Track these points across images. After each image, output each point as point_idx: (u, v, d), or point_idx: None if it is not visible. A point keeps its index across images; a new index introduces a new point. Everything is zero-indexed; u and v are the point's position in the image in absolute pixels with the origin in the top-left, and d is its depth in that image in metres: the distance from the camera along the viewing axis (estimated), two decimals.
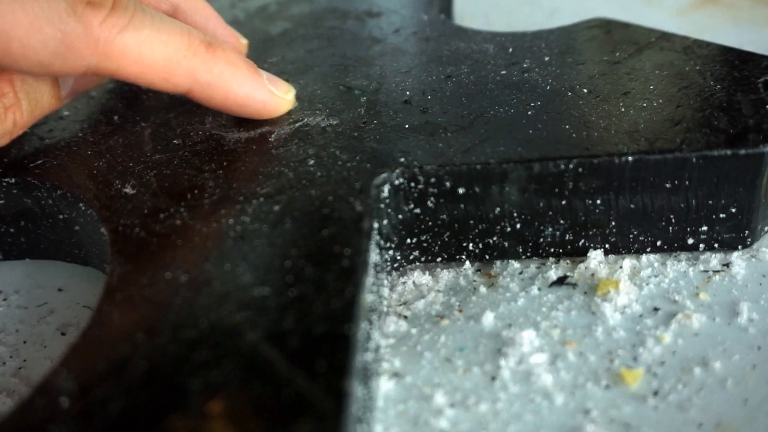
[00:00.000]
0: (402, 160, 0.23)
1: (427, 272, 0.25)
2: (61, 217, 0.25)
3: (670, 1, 0.41)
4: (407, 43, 0.30)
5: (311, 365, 0.17)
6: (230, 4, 0.36)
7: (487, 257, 0.24)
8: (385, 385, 0.21)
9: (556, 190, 0.23)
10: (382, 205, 0.23)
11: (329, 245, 0.20)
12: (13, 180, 0.25)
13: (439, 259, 0.24)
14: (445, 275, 0.25)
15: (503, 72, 0.27)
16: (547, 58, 0.28)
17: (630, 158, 0.22)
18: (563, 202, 0.23)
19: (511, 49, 0.29)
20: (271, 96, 0.25)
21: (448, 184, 0.23)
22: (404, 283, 0.24)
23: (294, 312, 0.18)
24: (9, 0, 0.20)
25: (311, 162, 0.23)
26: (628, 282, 0.23)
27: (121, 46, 0.22)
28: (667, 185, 0.22)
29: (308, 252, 0.20)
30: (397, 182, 0.23)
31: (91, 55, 0.21)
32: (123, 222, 0.22)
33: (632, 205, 0.23)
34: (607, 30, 0.29)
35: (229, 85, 0.24)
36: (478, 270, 0.25)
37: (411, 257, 0.24)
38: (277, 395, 0.16)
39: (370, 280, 0.20)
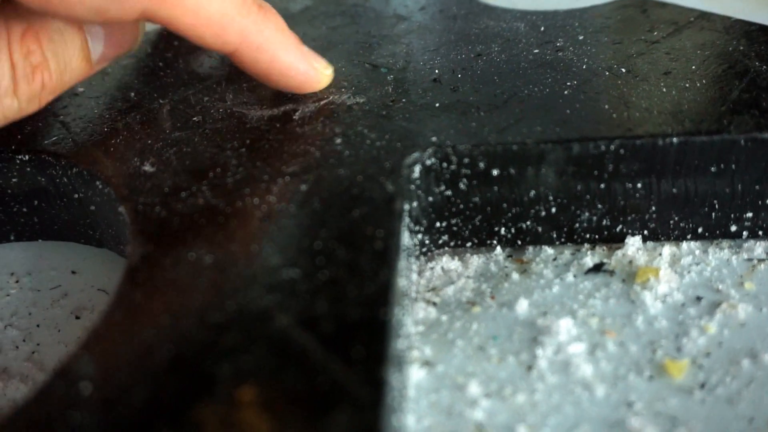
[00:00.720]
0: (434, 139, 0.22)
1: (456, 257, 0.24)
2: (75, 196, 0.24)
3: None
4: (434, 20, 0.29)
5: (347, 352, 0.16)
6: None
7: (520, 242, 0.23)
8: (416, 374, 0.20)
9: (595, 172, 0.22)
10: (413, 186, 0.22)
11: (360, 226, 0.19)
12: (27, 157, 0.24)
13: (469, 244, 0.23)
14: (475, 260, 0.24)
15: (536, 51, 0.26)
16: (581, 37, 0.27)
17: (675, 140, 0.21)
18: (602, 186, 0.22)
19: (543, 28, 0.28)
20: (313, 69, 0.25)
21: (482, 165, 0.22)
22: (432, 268, 0.23)
23: (326, 295, 0.17)
24: None
25: (338, 141, 0.22)
26: (668, 270, 0.22)
27: None
28: (712, 169, 0.21)
29: (339, 233, 0.19)
30: (428, 162, 0.22)
31: (145, 1, 0.20)
32: (143, 201, 0.21)
33: (674, 190, 0.22)
34: (643, 9, 0.28)
35: (276, 50, 0.23)
36: (510, 256, 0.24)
37: (440, 241, 0.23)
38: (312, 382, 0.15)
39: (402, 263, 0.19)
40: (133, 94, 0.26)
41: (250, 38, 0.23)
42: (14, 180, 0.24)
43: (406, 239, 0.20)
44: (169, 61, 0.28)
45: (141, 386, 0.15)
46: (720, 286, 0.22)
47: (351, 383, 0.15)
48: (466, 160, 0.22)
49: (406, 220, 0.21)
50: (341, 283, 0.17)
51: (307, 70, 0.25)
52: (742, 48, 0.25)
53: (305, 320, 0.17)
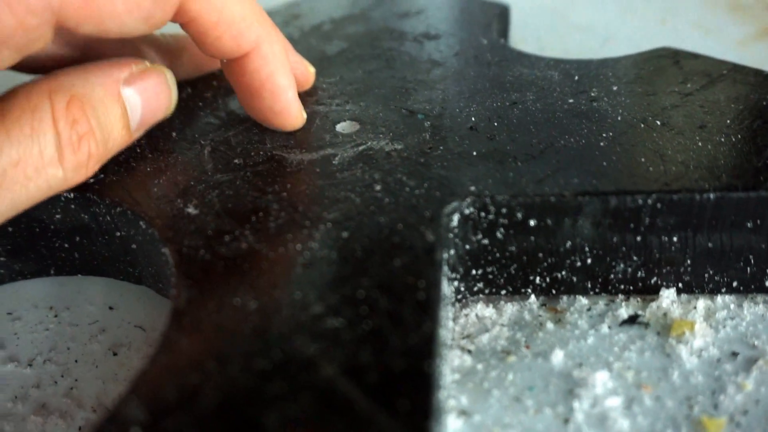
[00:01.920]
0: (472, 188, 0.22)
1: (490, 305, 0.24)
2: (117, 234, 0.25)
3: (730, 31, 0.40)
4: (468, 66, 0.30)
5: (392, 403, 0.16)
6: (284, 21, 0.36)
7: (554, 291, 0.24)
8: (453, 424, 0.20)
9: (632, 225, 0.22)
10: (451, 235, 0.22)
11: (402, 276, 0.19)
12: (72, 195, 0.24)
13: (503, 292, 0.24)
14: (509, 308, 0.24)
15: (571, 100, 0.27)
16: (615, 87, 0.27)
17: (712, 195, 0.21)
18: (638, 238, 0.22)
19: (577, 77, 0.28)
20: (297, 103, 0.26)
21: (519, 215, 0.22)
22: (467, 315, 0.24)
23: (370, 345, 0.17)
24: None
25: (378, 187, 0.23)
26: (703, 324, 0.22)
27: None
28: (749, 224, 0.22)
29: (381, 282, 0.19)
30: (467, 212, 0.22)
31: None
32: (187, 243, 0.21)
33: (710, 244, 0.22)
34: (675, 60, 0.29)
35: (277, 68, 0.24)
36: (544, 304, 0.24)
37: (475, 289, 0.24)
38: None
39: (443, 313, 0.19)
40: (174, 134, 0.27)
41: (261, 47, 0.24)
42: (57, 216, 0.25)
43: (444, 287, 0.21)
44: (208, 101, 0.29)
45: (188, 431, 0.16)
46: (756, 342, 0.22)
47: None
48: (504, 210, 0.22)
49: (444, 268, 0.21)
50: (385, 333, 0.18)
51: (294, 100, 0.25)
52: None
53: (350, 370, 0.17)
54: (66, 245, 0.25)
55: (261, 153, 0.25)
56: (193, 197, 0.23)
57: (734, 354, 0.21)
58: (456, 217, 0.22)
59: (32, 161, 0.21)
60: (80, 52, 0.25)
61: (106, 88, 0.23)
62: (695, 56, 0.29)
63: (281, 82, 0.25)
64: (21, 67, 0.25)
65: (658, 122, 0.25)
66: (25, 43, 0.19)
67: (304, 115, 0.26)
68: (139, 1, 0.20)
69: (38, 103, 0.21)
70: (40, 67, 0.25)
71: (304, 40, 0.34)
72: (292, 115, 0.25)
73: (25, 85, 0.21)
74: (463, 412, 0.20)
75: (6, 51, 0.19)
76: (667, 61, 0.29)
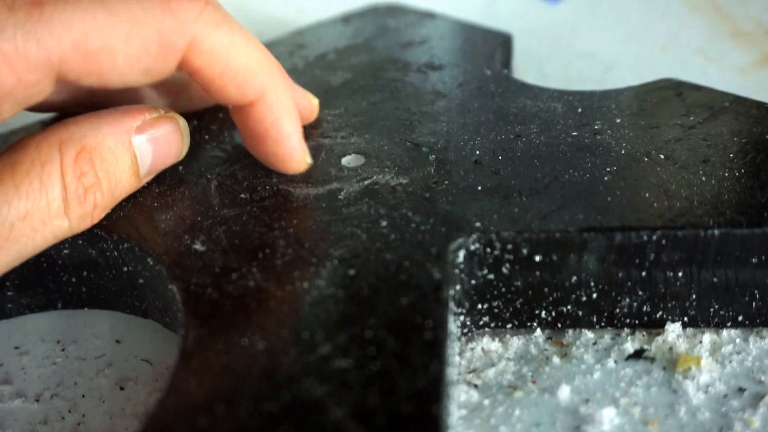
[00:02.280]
0: (478, 224, 0.22)
1: (496, 338, 0.24)
2: (125, 269, 0.25)
3: (732, 58, 0.40)
4: (472, 98, 0.30)
5: None
6: (288, 52, 0.36)
7: (560, 325, 0.24)
8: None
9: (637, 260, 0.22)
10: (456, 270, 0.22)
11: (410, 315, 0.20)
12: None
13: (509, 326, 0.24)
14: (515, 342, 0.24)
15: (574, 133, 0.27)
16: (618, 120, 0.27)
17: (716, 232, 0.21)
18: (643, 273, 0.22)
19: (580, 109, 0.28)
20: (302, 149, 0.25)
21: (525, 251, 0.22)
22: (473, 349, 0.24)
23: (379, 387, 0.17)
24: (104, 16, 0.20)
25: (384, 223, 0.23)
26: (709, 359, 0.22)
27: (214, 41, 0.22)
28: (753, 260, 0.22)
29: (388, 321, 0.19)
30: (472, 248, 0.22)
31: (184, 50, 0.21)
32: (195, 281, 0.22)
33: (715, 279, 0.22)
34: (678, 92, 0.29)
35: (282, 115, 0.24)
36: (550, 338, 0.24)
37: (481, 323, 0.24)
38: None
39: (450, 350, 0.19)
40: (181, 168, 0.27)
41: (266, 96, 0.24)
42: (65, 251, 0.25)
43: (450, 324, 0.21)
44: (214, 134, 0.29)
45: None
46: (762, 377, 0.22)
47: None
48: (509, 246, 0.22)
49: (450, 303, 0.21)
50: (392, 374, 0.18)
51: (298, 146, 0.25)
52: None
53: (359, 413, 0.17)
54: (73, 279, 0.26)
55: (267, 187, 0.25)
56: (200, 233, 0.23)
57: (741, 390, 0.21)
58: (462, 253, 0.22)
59: (39, 214, 0.21)
60: (84, 96, 0.26)
61: (117, 138, 0.23)
62: (697, 88, 0.29)
63: (286, 130, 0.25)
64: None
65: (662, 156, 0.25)
66: (25, 97, 0.20)
67: (309, 160, 0.26)
68: (139, 55, 0.21)
69: (48, 156, 0.21)
70: (45, 109, 0.25)
71: (309, 70, 0.34)
72: (295, 160, 0.25)
73: (35, 135, 0.22)
74: None
75: (6, 105, 0.20)
76: (670, 93, 0.29)
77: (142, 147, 0.24)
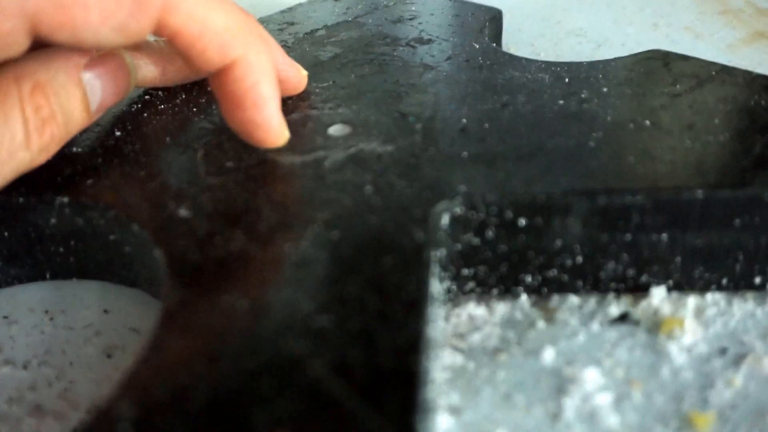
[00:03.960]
0: (462, 188, 0.22)
1: (482, 303, 0.24)
2: (111, 237, 0.25)
3: (721, 35, 0.40)
4: (460, 70, 0.30)
5: (380, 400, 0.16)
6: (278, 28, 0.36)
7: (545, 290, 0.24)
8: (443, 421, 0.20)
9: (621, 224, 0.22)
10: (441, 234, 0.22)
11: (391, 275, 0.20)
12: (66, 200, 0.24)
13: (494, 291, 0.24)
14: (501, 307, 0.24)
15: (561, 102, 0.27)
16: (605, 89, 0.27)
17: (700, 193, 0.21)
18: (627, 237, 0.22)
19: (567, 79, 0.28)
20: (280, 117, 0.25)
21: (509, 214, 0.22)
22: (458, 314, 0.24)
23: (358, 344, 0.18)
24: None
25: (368, 188, 0.23)
26: (693, 321, 0.22)
27: (191, 2, 0.22)
28: (737, 222, 0.22)
29: (370, 281, 0.19)
30: (457, 211, 0.22)
31: (160, 10, 0.21)
32: (178, 245, 0.22)
33: (699, 242, 0.22)
34: (665, 62, 0.29)
35: (261, 79, 0.24)
36: (535, 303, 0.24)
37: (466, 288, 0.24)
38: (345, 430, 0.15)
39: (431, 310, 0.19)
40: (168, 138, 0.27)
41: (246, 56, 0.24)
42: (53, 221, 0.25)
43: (434, 286, 0.21)
44: (202, 106, 0.29)
45: (179, 430, 0.16)
46: (745, 338, 0.22)
47: (384, 431, 0.15)
48: (494, 209, 0.22)
49: (435, 267, 0.21)
50: (373, 331, 0.18)
51: (275, 114, 0.24)
52: (763, 103, 0.25)
53: (338, 368, 0.17)
54: (61, 250, 0.26)
55: (253, 156, 0.26)
56: (186, 200, 0.24)
57: (723, 350, 0.22)
58: (446, 217, 0.22)
59: (6, 146, 0.22)
60: None
61: (68, 73, 0.23)
62: (685, 58, 0.29)
63: (264, 92, 0.24)
64: None
65: (647, 123, 0.25)
66: (1, 47, 0.20)
67: (287, 134, 0.25)
68: (113, 10, 0.21)
69: (7, 90, 0.22)
70: None
71: (298, 46, 0.34)
72: (273, 127, 0.24)
73: None
74: (454, 410, 0.20)
75: None
76: (657, 63, 0.29)
77: (91, 82, 0.24)
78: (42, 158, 0.23)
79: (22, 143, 0.22)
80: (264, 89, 0.24)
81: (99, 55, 0.24)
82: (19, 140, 0.22)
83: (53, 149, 0.24)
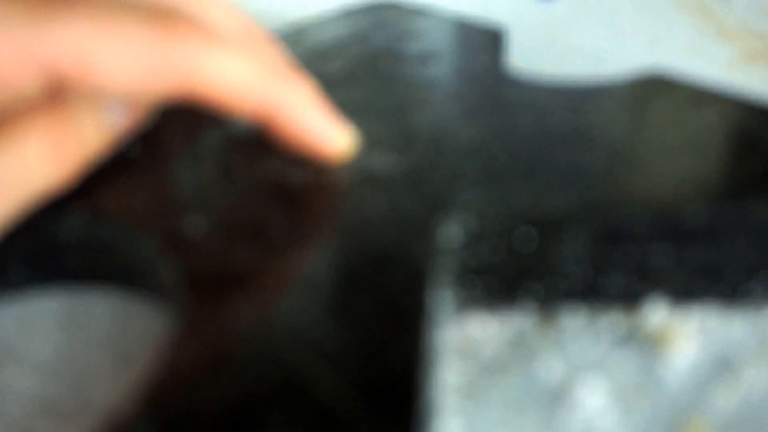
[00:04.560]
0: (469, 205, 0.23)
1: (486, 317, 0.25)
2: (124, 248, 0.25)
3: (720, 53, 0.41)
4: (466, 88, 0.31)
5: (388, 418, 0.17)
6: (286, 44, 0.37)
7: (549, 304, 0.24)
8: None
9: (623, 241, 0.23)
10: (447, 250, 0.23)
11: (400, 291, 0.20)
12: (79, 211, 0.25)
13: (498, 305, 0.25)
14: (505, 321, 0.25)
15: (564, 121, 0.28)
16: (607, 109, 0.28)
17: (700, 210, 0.22)
18: (629, 253, 0.23)
19: (570, 98, 0.29)
20: (334, 130, 0.26)
21: (515, 230, 0.23)
22: (462, 327, 0.24)
23: (368, 361, 0.18)
24: (106, 29, 0.20)
25: (376, 206, 0.24)
26: (693, 334, 0.23)
27: (211, 64, 0.22)
28: (738, 238, 0.23)
29: (378, 299, 0.20)
30: (464, 227, 0.23)
31: (182, 74, 0.22)
32: (189, 259, 0.22)
33: (699, 257, 0.23)
34: (666, 83, 0.30)
35: (298, 113, 0.25)
36: (539, 317, 0.25)
37: (470, 301, 0.24)
38: None
39: (436, 324, 0.20)
40: (179, 149, 0.28)
41: (272, 102, 0.24)
42: (66, 230, 0.25)
43: (439, 300, 0.21)
44: (213, 120, 0.30)
45: None
46: (744, 351, 0.23)
47: None
48: (499, 226, 0.23)
49: (440, 281, 0.22)
50: (382, 348, 0.18)
51: (328, 130, 0.26)
52: (762, 124, 0.26)
53: (348, 385, 0.17)
54: (76, 258, 0.26)
55: (263, 170, 0.26)
56: (197, 212, 0.24)
57: (722, 363, 0.22)
58: (453, 232, 0.23)
59: (22, 169, 0.22)
60: None
61: (84, 97, 0.23)
62: (684, 79, 0.30)
63: (307, 123, 0.25)
64: None
65: (649, 142, 0.26)
66: (13, 93, 0.20)
67: (346, 133, 0.26)
68: (134, 73, 0.21)
69: (23, 114, 0.22)
70: None
71: (306, 61, 0.35)
72: (334, 141, 0.26)
73: None
74: (460, 423, 0.21)
75: None
76: (657, 84, 0.30)
77: (108, 107, 0.24)
78: (58, 182, 0.23)
79: (38, 167, 0.22)
80: (305, 122, 0.25)
81: None
82: (35, 164, 0.22)
83: (72, 174, 0.24)
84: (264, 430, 0.16)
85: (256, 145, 0.28)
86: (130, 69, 0.21)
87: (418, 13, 0.40)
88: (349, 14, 0.40)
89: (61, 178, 0.24)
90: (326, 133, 0.26)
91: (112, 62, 0.20)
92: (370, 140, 0.27)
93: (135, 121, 0.26)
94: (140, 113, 0.26)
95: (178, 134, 0.29)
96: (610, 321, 0.24)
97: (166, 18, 0.22)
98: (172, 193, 0.25)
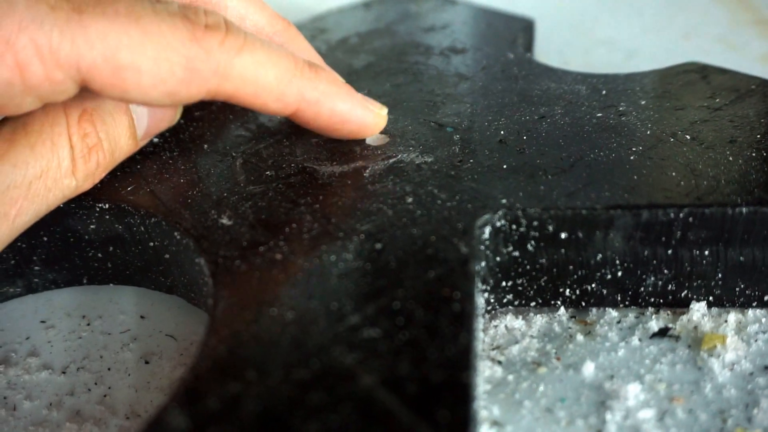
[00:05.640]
0: (504, 201, 0.22)
1: (519, 316, 0.24)
2: (151, 244, 0.25)
3: (753, 46, 0.40)
4: (495, 80, 0.30)
5: (432, 414, 0.16)
6: (310, 36, 0.36)
7: (584, 304, 0.24)
8: None
9: (663, 238, 0.22)
10: (482, 247, 0.22)
11: (437, 287, 0.20)
12: (107, 206, 0.25)
13: (532, 304, 0.24)
14: (539, 320, 0.24)
15: (599, 114, 0.27)
16: (643, 102, 0.27)
17: (744, 210, 0.21)
18: (668, 252, 0.22)
19: (604, 91, 0.28)
20: (370, 112, 0.26)
21: (550, 228, 0.22)
22: (496, 326, 0.24)
23: (408, 356, 0.18)
24: (137, 34, 0.20)
25: (409, 200, 0.23)
26: (735, 337, 0.22)
27: (239, 67, 0.22)
28: None
29: (416, 293, 0.19)
30: (498, 224, 0.22)
31: (212, 79, 0.22)
32: (222, 254, 0.22)
33: (741, 258, 0.22)
34: (704, 75, 0.29)
35: (334, 101, 0.25)
36: (573, 316, 0.24)
37: (504, 300, 0.24)
38: None
39: (478, 325, 0.19)
40: (206, 146, 0.27)
41: (307, 95, 0.24)
42: (92, 227, 0.25)
43: (477, 299, 0.21)
44: (239, 113, 0.29)
45: None
46: None
47: None
48: (535, 223, 0.22)
49: (476, 279, 0.21)
50: (421, 344, 0.18)
51: (365, 114, 0.26)
52: None
53: (389, 381, 0.17)
54: (99, 255, 0.26)
55: (292, 165, 0.26)
56: (227, 208, 0.24)
57: (766, 368, 0.21)
58: (488, 230, 0.22)
59: (52, 173, 0.22)
60: None
61: (115, 101, 0.24)
62: (723, 71, 0.29)
63: (344, 110, 0.25)
64: None
65: (688, 137, 0.25)
66: (49, 94, 0.20)
67: (384, 111, 0.27)
68: (165, 78, 0.21)
69: (56, 118, 0.22)
70: None
71: (331, 54, 0.34)
72: (372, 122, 0.26)
73: None
74: (496, 423, 0.20)
75: (29, 98, 0.20)
76: (695, 76, 0.29)
77: (138, 110, 0.24)
78: (87, 185, 0.24)
79: (69, 170, 0.22)
80: (341, 109, 0.25)
81: None
82: (65, 167, 0.22)
83: (99, 176, 0.24)
84: (305, 420, 0.16)
85: (283, 139, 0.27)
86: (160, 75, 0.21)
87: (442, 2, 0.39)
88: (370, 4, 0.40)
89: (92, 182, 0.24)
90: (365, 114, 0.26)
91: (143, 68, 0.20)
92: (401, 135, 0.27)
93: (164, 123, 0.26)
94: (169, 116, 0.26)
95: (202, 129, 0.29)
96: (648, 324, 0.23)
97: (195, 15, 0.21)
98: (200, 186, 0.25)
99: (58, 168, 0.22)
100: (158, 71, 0.20)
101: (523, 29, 0.36)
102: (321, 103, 0.25)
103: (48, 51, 0.19)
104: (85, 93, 0.23)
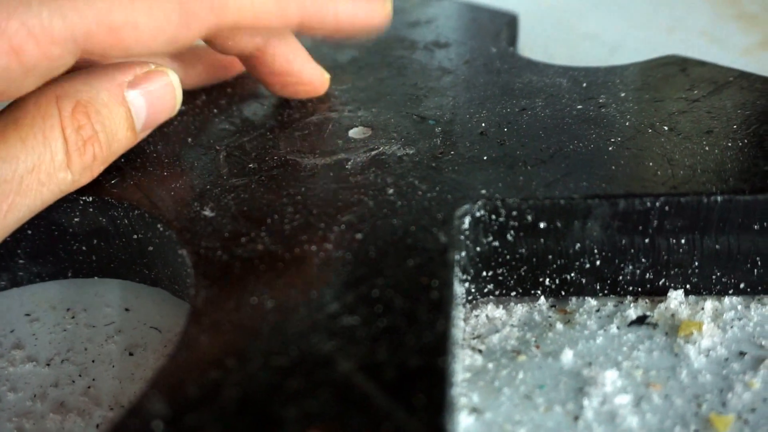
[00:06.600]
0: (483, 192, 0.23)
1: (500, 306, 0.24)
2: (134, 236, 0.25)
3: (735, 40, 0.40)
4: (478, 74, 0.30)
5: (409, 399, 0.16)
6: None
7: (563, 293, 0.24)
8: (464, 421, 0.20)
9: (640, 227, 0.22)
10: (462, 237, 0.22)
11: (416, 276, 0.20)
12: (90, 198, 0.25)
13: (513, 293, 0.24)
14: (519, 309, 0.24)
15: (579, 107, 0.27)
16: (623, 94, 0.28)
17: (719, 198, 0.22)
18: (646, 240, 0.23)
19: (585, 84, 0.29)
20: (374, 4, 0.26)
21: (529, 218, 0.22)
22: (477, 316, 0.24)
23: (386, 343, 0.18)
24: None
25: (390, 191, 0.23)
26: (711, 324, 0.23)
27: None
28: (755, 226, 0.22)
29: (395, 282, 0.20)
30: (478, 214, 0.22)
31: (209, 16, 0.22)
32: (204, 245, 0.22)
33: (717, 246, 0.23)
34: (683, 68, 0.29)
35: (336, 3, 0.25)
36: (553, 306, 0.24)
37: (485, 290, 0.24)
38: (376, 428, 0.16)
39: (455, 313, 0.20)
40: (189, 139, 0.27)
41: (308, 5, 0.25)
42: (76, 219, 0.25)
43: (455, 288, 0.21)
44: (223, 108, 0.29)
45: (211, 427, 0.16)
46: (763, 342, 0.22)
47: (414, 430, 0.16)
48: (514, 213, 0.22)
49: (456, 269, 0.22)
50: (400, 331, 0.18)
51: (371, 8, 0.26)
52: None
53: (367, 366, 0.17)
54: (84, 248, 0.26)
55: (275, 158, 0.26)
56: (210, 200, 0.24)
57: (742, 353, 0.22)
58: (467, 220, 0.22)
59: (45, 167, 0.22)
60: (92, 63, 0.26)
61: (110, 92, 0.23)
62: (702, 64, 0.29)
63: (349, 8, 0.26)
64: None
65: (666, 128, 0.25)
66: (49, 70, 0.20)
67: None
68: (162, 26, 0.21)
69: (47, 110, 0.22)
70: None
71: (316, 48, 0.34)
72: (380, 14, 0.27)
73: (31, 92, 0.22)
74: (475, 410, 0.21)
75: (31, 78, 0.20)
76: (674, 69, 0.29)
77: (135, 101, 0.24)
78: (85, 179, 0.23)
79: (63, 164, 0.22)
80: (346, 8, 0.26)
81: (144, 73, 0.24)
82: (59, 161, 0.22)
83: (97, 169, 0.23)
84: (284, 406, 0.16)
85: (266, 132, 0.27)
86: (158, 24, 0.21)
87: None
88: None
89: (90, 175, 0.23)
90: (368, 7, 0.26)
91: (139, 22, 0.20)
92: (383, 127, 0.27)
93: (164, 115, 0.26)
94: (169, 107, 0.26)
95: (186, 122, 0.29)
96: (626, 312, 0.24)
97: None
98: (183, 179, 0.25)
99: (51, 162, 0.22)
100: (154, 21, 0.20)
101: (507, 23, 0.36)
102: (324, 9, 0.25)
103: (41, 31, 0.19)
104: (78, 85, 0.23)
